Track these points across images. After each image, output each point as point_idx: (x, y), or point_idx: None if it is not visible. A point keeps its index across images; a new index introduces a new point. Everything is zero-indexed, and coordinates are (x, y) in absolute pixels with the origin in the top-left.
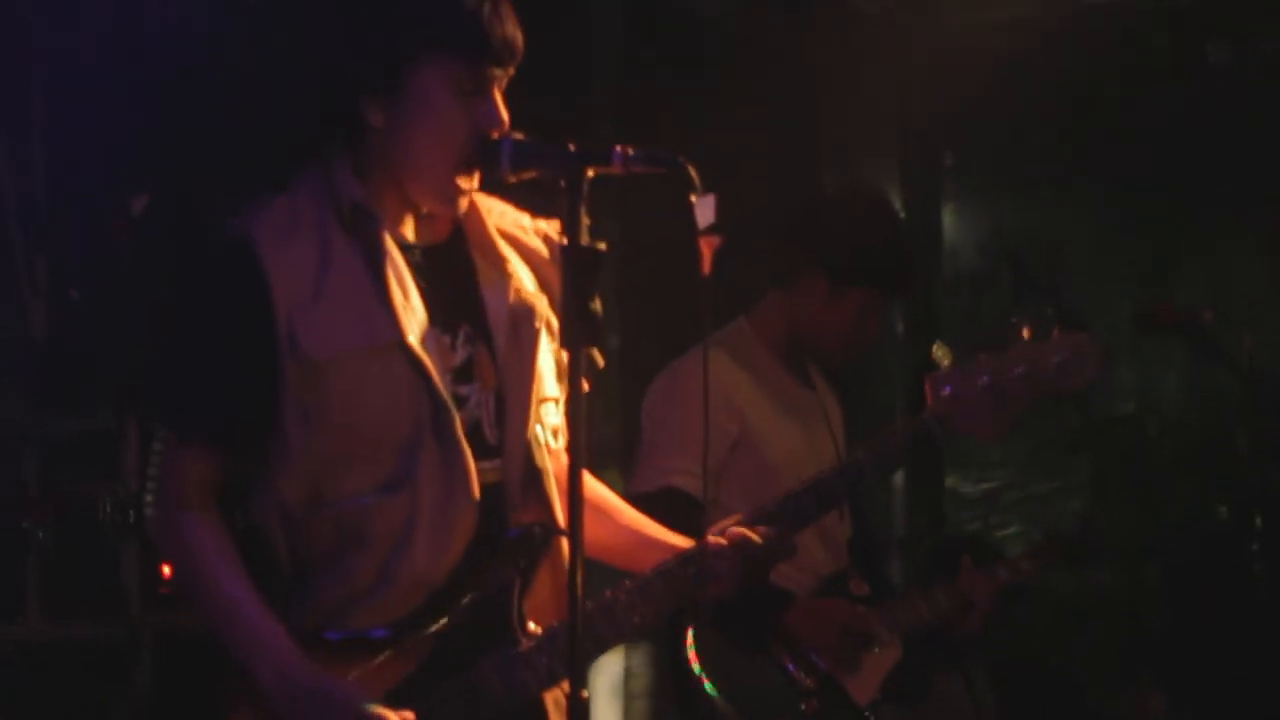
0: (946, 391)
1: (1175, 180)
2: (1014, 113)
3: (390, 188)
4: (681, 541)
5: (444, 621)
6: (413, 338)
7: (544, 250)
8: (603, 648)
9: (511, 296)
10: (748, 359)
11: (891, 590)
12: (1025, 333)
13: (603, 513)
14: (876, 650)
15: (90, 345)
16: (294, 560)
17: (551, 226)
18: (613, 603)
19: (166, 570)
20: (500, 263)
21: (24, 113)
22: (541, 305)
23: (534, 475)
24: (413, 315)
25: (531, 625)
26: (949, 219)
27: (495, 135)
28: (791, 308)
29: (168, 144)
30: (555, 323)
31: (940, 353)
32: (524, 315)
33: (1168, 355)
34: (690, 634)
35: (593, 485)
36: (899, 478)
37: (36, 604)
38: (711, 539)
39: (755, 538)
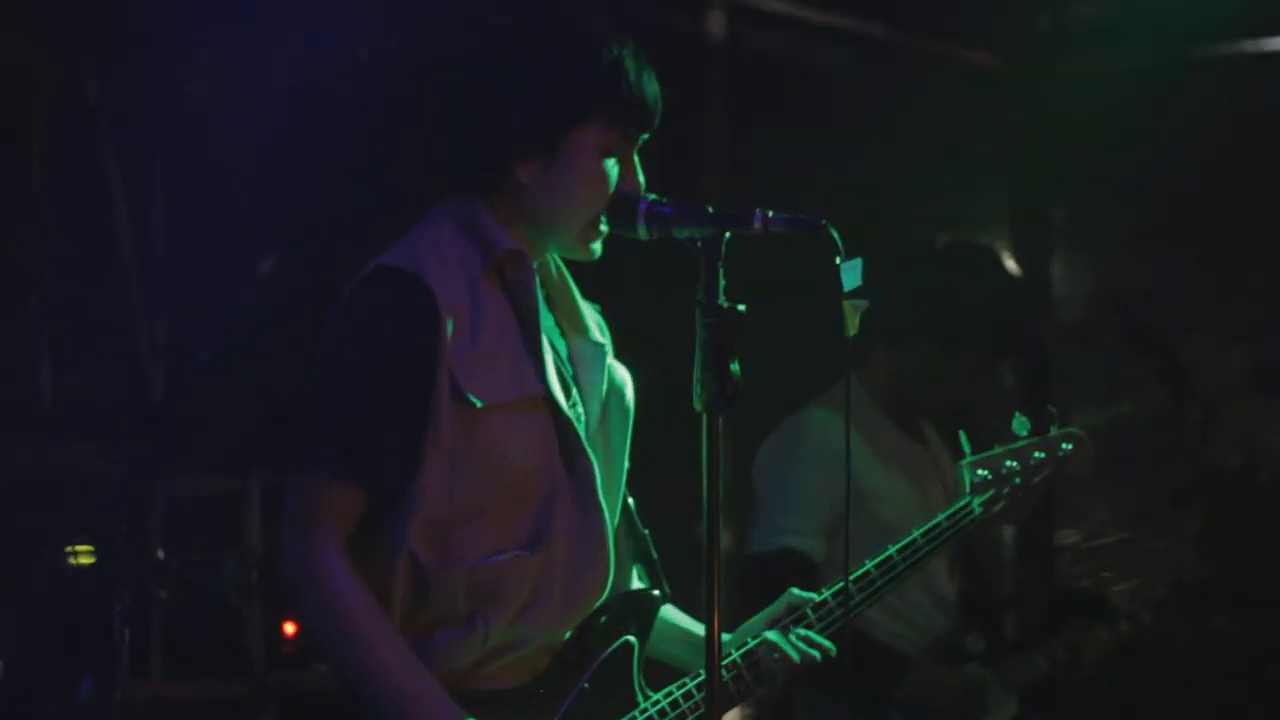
0: (981, 476)
1: None
2: (1124, 164)
3: (528, 236)
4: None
5: (579, 686)
6: (558, 393)
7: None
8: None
9: (606, 370)
10: (857, 418)
11: (1006, 646)
12: (1025, 426)
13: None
14: (991, 708)
15: (214, 407)
16: (409, 621)
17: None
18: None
19: (289, 629)
20: (584, 330)
21: (145, 175)
22: (630, 384)
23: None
24: (553, 369)
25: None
26: (1058, 271)
27: (630, 194)
28: (900, 365)
29: (291, 204)
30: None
31: (1019, 424)
32: (617, 391)
33: (1275, 408)
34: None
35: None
36: (1008, 534)
37: (161, 664)
38: (769, 641)
39: (810, 652)
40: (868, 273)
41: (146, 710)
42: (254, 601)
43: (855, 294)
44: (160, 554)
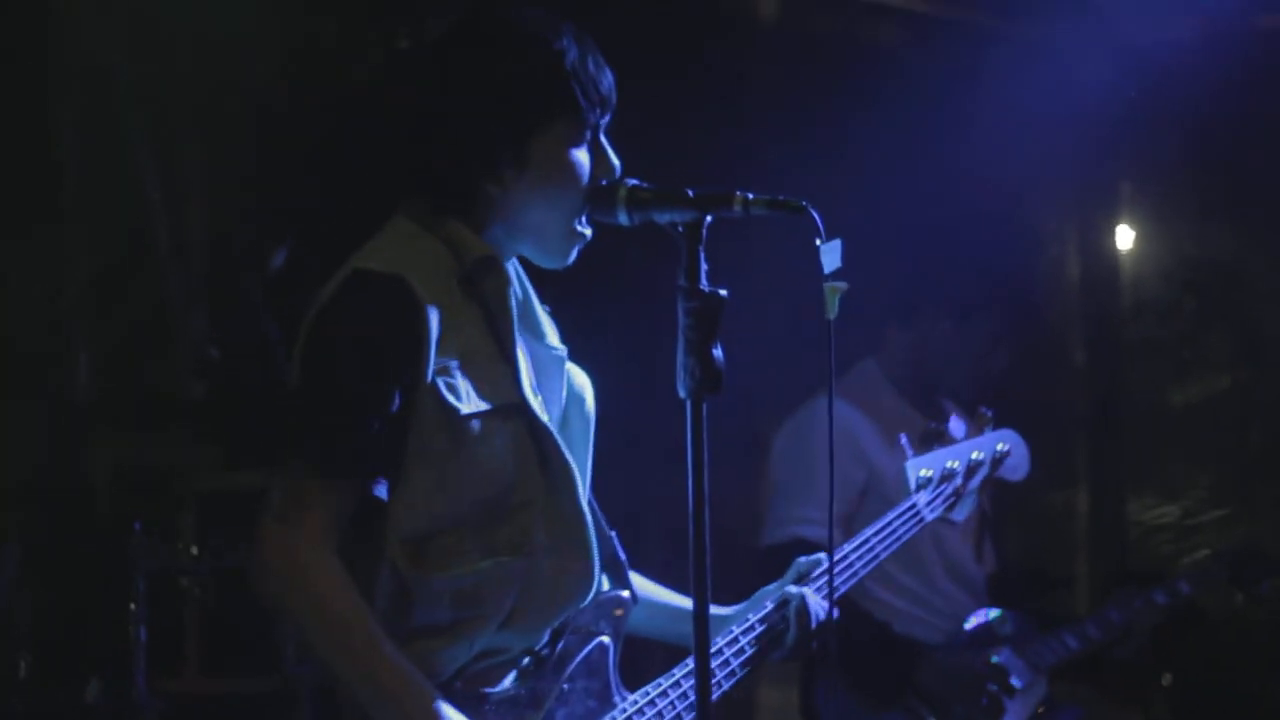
0: (925, 477)
1: None
2: (1194, 137)
3: (502, 243)
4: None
5: (559, 686)
6: (533, 401)
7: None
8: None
9: (564, 377)
10: (873, 402)
11: (1036, 626)
12: (961, 429)
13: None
14: (1019, 690)
15: (244, 401)
16: (393, 630)
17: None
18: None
19: None
20: (542, 336)
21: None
22: (589, 389)
23: None
24: (526, 377)
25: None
26: (1132, 246)
27: (609, 182)
28: (915, 343)
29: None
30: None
31: (955, 427)
32: (577, 398)
33: None
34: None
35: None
36: (1082, 507)
37: (196, 659)
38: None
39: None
40: (883, 253)
41: (180, 704)
42: None
43: (835, 275)
44: (194, 550)
